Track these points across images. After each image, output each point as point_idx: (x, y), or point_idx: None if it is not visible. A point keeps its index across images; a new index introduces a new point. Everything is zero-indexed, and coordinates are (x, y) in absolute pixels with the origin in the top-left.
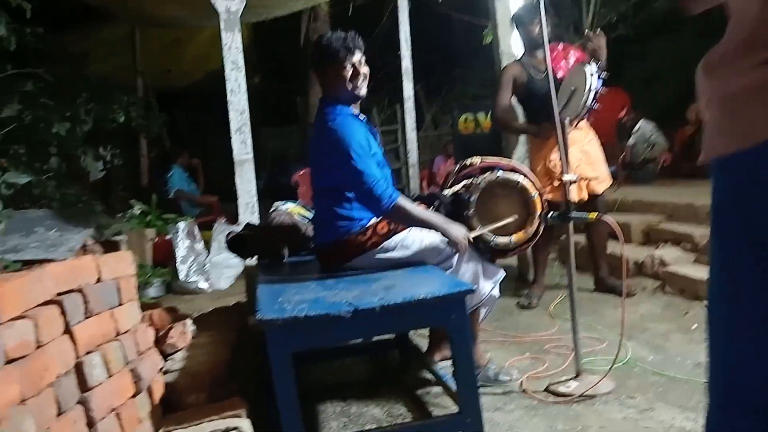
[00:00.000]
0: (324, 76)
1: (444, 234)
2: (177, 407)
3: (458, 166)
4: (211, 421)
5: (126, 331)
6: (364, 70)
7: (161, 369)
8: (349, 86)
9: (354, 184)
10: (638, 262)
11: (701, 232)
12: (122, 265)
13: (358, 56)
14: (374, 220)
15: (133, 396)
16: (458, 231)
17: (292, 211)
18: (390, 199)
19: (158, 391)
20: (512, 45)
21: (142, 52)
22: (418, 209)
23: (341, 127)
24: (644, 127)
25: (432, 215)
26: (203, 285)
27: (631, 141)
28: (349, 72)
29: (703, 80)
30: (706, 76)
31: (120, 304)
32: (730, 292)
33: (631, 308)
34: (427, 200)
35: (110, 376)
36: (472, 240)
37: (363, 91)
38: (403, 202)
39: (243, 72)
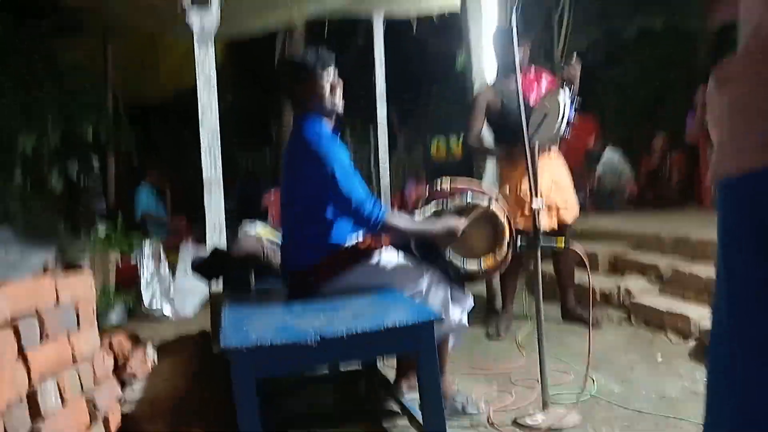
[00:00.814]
0: (300, 92)
1: (436, 238)
2: None
3: (428, 188)
4: None
5: (84, 358)
6: (339, 83)
7: (119, 398)
8: (327, 101)
9: (341, 202)
10: (605, 292)
11: (666, 263)
12: (82, 287)
13: (332, 71)
14: (346, 244)
15: (89, 426)
16: (447, 225)
17: (261, 235)
18: (380, 214)
19: (115, 421)
20: (484, 70)
21: (113, 66)
22: (406, 221)
23: (323, 146)
24: (611, 156)
25: (420, 224)
26: (168, 312)
27: (598, 170)
28: (326, 86)
29: (715, 93)
30: (720, 89)
31: (78, 329)
32: (748, 323)
33: (597, 339)
34: None
35: (65, 404)
36: (466, 225)
37: (340, 106)
38: (392, 218)
39: (215, 90)
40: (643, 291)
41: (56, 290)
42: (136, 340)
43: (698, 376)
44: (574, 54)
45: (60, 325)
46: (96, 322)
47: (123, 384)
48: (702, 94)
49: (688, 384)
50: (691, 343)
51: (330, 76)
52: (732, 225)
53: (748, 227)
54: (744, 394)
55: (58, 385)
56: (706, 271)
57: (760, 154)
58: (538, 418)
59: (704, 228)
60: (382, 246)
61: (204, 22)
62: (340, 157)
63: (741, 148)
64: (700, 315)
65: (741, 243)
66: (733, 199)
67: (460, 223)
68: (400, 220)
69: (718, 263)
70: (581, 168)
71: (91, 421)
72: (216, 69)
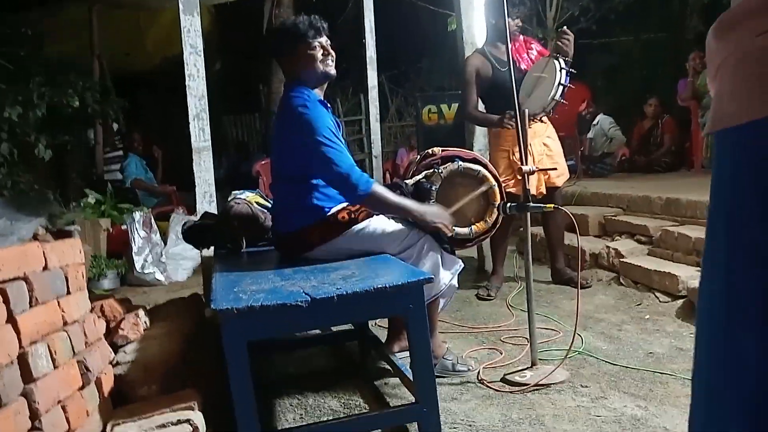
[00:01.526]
0: (291, 58)
1: (418, 218)
2: (128, 400)
3: (420, 155)
4: (162, 413)
5: (74, 322)
6: (332, 52)
7: (112, 361)
8: (320, 66)
9: (327, 172)
10: (595, 253)
11: (655, 224)
12: (71, 252)
13: (325, 39)
14: (335, 209)
15: (81, 388)
16: (435, 212)
17: (251, 200)
18: (366, 186)
19: (108, 384)
20: (476, 35)
21: (99, 35)
22: (393, 195)
23: (311, 113)
24: (603, 121)
25: (407, 201)
26: (160, 277)
27: (590, 135)
28: (319, 52)
29: (715, 43)
30: (720, 38)
31: (68, 293)
32: (742, 279)
33: (587, 299)
34: (389, 189)
35: (56, 367)
36: (452, 216)
37: (334, 71)
38: (380, 188)
39: (202, 57)
40: (632, 252)
41: (44, 255)
42: (128, 305)
43: (685, 333)
44: (565, 26)
45: (49, 290)
46: (86, 287)
47: (115, 347)
48: (694, 60)
49: (674, 341)
50: (679, 302)
51: (322, 45)
52: (731, 174)
53: (748, 176)
54: (731, 349)
55: (48, 348)
56: (695, 231)
57: (760, 103)
58: (527, 375)
59: (694, 190)
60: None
61: None
62: (327, 126)
63: (746, 97)
64: (688, 275)
65: (740, 194)
66: (736, 148)
67: (446, 217)
68: (387, 192)
69: (715, 218)
70: (573, 134)
71: (83, 383)
72: (203, 36)
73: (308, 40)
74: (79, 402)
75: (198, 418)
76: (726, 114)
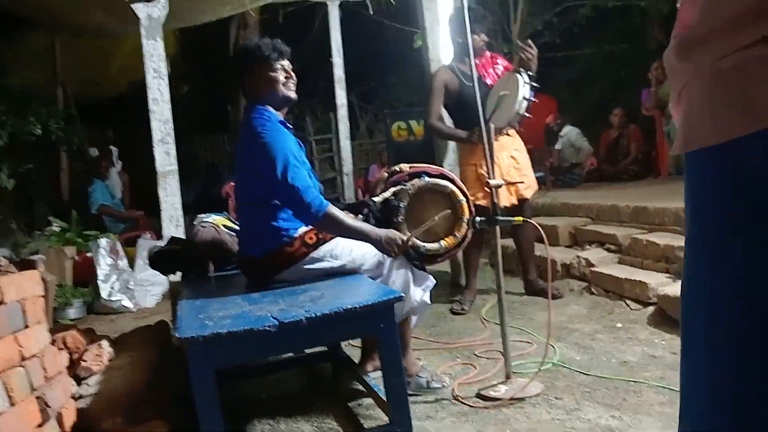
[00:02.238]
0: (253, 79)
1: (374, 243)
2: None
3: (388, 173)
4: None
5: (32, 356)
6: (293, 76)
7: (74, 394)
8: (282, 90)
9: (283, 194)
10: (566, 263)
11: (624, 233)
12: (29, 285)
13: (286, 63)
14: (301, 230)
15: (41, 425)
16: (390, 237)
17: (218, 223)
18: (320, 208)
19: (70, 418)
20: (441, 51)
21: (63, 63)
22: (348, 218)
23: (271, 134)
24: (570, 132)
25: (362, 224)
26: (128, 303)
27: (558, 146)
28: (281, 74)
29: (677, 64)
30: (683, 59)
31: (26, 327)
32: (723, 301)
33: (559, 309)
34: (356, 207)
35: (13, 404)
36: (409, 243)
37: (295, 95)
38: (334, 211)
39: (166, 80)
40: (602, 261)
41: (0, 290)
42: (92, 335)
43: (656, 340)
44: (528, 39)
45: (6, 325)
46: (45, 319)
47: (78, 380)
48: (656, 69)
49: (647, 349)
50: (650, 309)
51: (284, 68)
52: (715, 195)
53: (723, 196)
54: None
55: (5, 385)
56: (663, 238)
57: (741, 122)
58: (501, 389)
59: (661, 198)
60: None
61: (151, 12)
62: (286, 146)
63: (718, 117)
64: (658, 281)
65: (731, 214)
66: (714, 167)
67: (401, 236)
68: (341, 215)
69: (695, 239)
70: (541, 145)
71: (43, 419)
72: (169, 60)
73: (271, 62)
74: None
75: None
76: (700, 134)
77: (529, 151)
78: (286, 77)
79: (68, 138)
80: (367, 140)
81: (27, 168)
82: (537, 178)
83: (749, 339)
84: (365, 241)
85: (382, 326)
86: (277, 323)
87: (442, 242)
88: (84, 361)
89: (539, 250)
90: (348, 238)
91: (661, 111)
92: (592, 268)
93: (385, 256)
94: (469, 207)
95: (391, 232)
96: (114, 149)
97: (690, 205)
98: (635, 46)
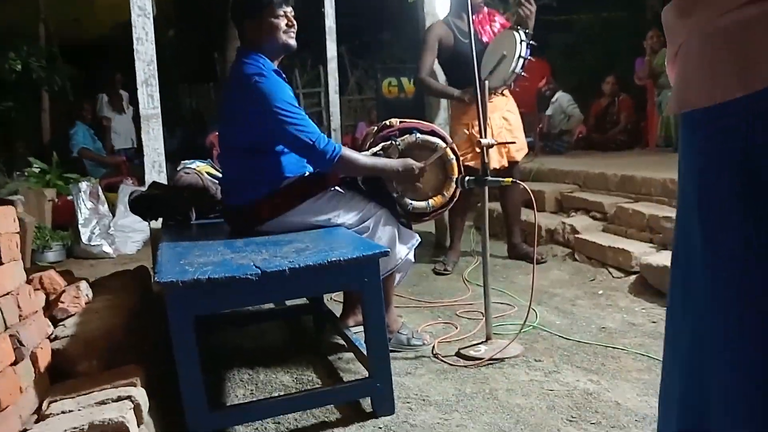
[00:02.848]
0: (253, 24)
1: (393, 175)
2: (68, 376)
3: (377, 127)
4: (102, 389)
5: (7, 293)
6: (294, 23)
7: (50, 335)
8: (283, 37)
9: (293, 141)
10: (550, 229)
11: (610, 201)
12: (4, 221)
13: (290, 8)
14: (288, 181)
15: (14, 363)
16: (406, 165)
17: (201, 170)
18: (335, 152)
19: (45, 359)
20: (436, 6)
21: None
22: (363, 156)
23: (267, 82)
24: (561, 98)
25: (376, 160)
26: (108, 249)
27: (548, 112)
28: (283, 21)
29: (676, 21)
30: (681, 16)
31: (0, 263)
32: (722, 278)
33: (542, 274)
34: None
35: None
36: (425, 167)
37: (294, 43)
38: (348, 152)
39: (151, 20)
40: (587, 228)
41: None
42: (70, 277)
43: (637, 309)
44: None
45: None
46: (26, 257)
47: (55, 321)
48: (651, 38)
49: (626, 316)
50: (631, 278)
51: (287, 14)
52: (701, 157)
53: (719, 158)
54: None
55: None
56: (649, 208)
57: (739, 82)
58: (481, 349)
59: (649, 168)
60: (327, 183)
61: None
62: (285, 94)
63: (717, 76)
64: (641, 251)
65: (719, 182)
66: (711, 130)
67: (417, 164)
68: (356, 154)
69: (690, 209)
70: (532, 110)
71: (17, 358)
72: (156, 1)
73: (274, 7)
74: (12, 378)
75: (140, 393)
76: (696, 94)
77: (521, 115)
78: (287, 24)
79: (50, 77)
80: (357, 96)
81: (6, 106)
82: (527, 142)
83: (748, 303)
84: (383, 176)
85: (366, 281)
86: (260, 272)
87: (430, 201)
88: (61, 302)
89: (525, 214)
90: (365, 176)
91: (654, 81)
92: (577, 235)
93: (372, 211)
94: (458, 166)
95: (407, 161)
96: (124, 93)
97: (682, 173)
98: (632, 14)
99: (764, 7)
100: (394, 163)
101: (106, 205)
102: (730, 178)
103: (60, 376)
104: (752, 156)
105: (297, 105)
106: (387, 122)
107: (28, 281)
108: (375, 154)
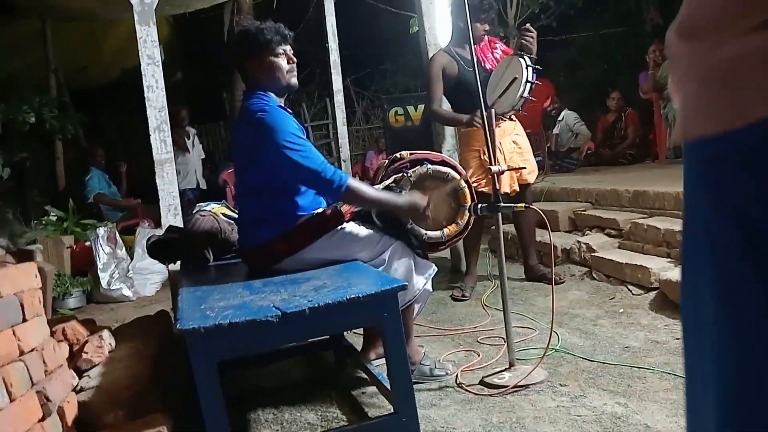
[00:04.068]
0: (253, 65)
1: (399, 210)
2: (94, 428)
3: (388, 160)
4: None
5: (32, 350)
6: (294, 61)
7: (75, 387)
8: (285, 77)
9: (299, 173)
10: (566, 248)
11: (624, 217)
12: (26, 278)
13: (290, 46)
14: (303, 218)
15: (42, 420)
16: (412, 201)
17: (216, 211)
18: (342, 180)
19: (71, 412)
20: (438, 35)
21: (54, 48)
22: (370, 188)
23: (270, 116)
24: (568, 116)
25: (383, 194)
26: (127, 292)
27: (555, 130)
28: (283, 60)
29: (680, 46)
30: (687, 42)
31: (24, 321)
32: (727, 303)
33: (561, 295)
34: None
35: (12, 400)
36: (430, 201)
37: (296, 81)
38: (354, 183)
39: (160, 67)
40: (603, 246)
41: None
42: (92, 326)
43: (659, 325)
44: (527, 23)
45: (2, 319)
46: (44, 312)
47: (79, 372)
48: (653, 52)
49: (649, 334)
50: (652, 294)
51: (287, 53)
52: (715, 188)
53: (720, 192)
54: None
55: (3, 381)
56: (664, 223)
57: (730, 113)
58: (505, 376)
59: (661, 182)
60: (342, 218)
61: None
62: (290, 128)
63: (711, 106)
64: (659, 266)
65: (733, 208)
66: (716, 158)
67: (423, 200)
68: (363, 186)
69: (693, 235)
70: (538, 130)
71: (44, 414)
72: (162, 46)
73: (273, 46)
74: None
75: None
76: (693, 124)
77: (528, 136)
78: (289, 63)
79: (63, 126)
80: (364, 126)
81: (21, 157)
82: (536, 162)
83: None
84: (389, 210)
85: (385, 315)
86: (280, 313)
87: (445, 230)
88: (85, 353)
89: (540, 235)
90: (371, 208)
91: (659, 94)
92: (593, 253)
93: (387, 244)
94: (471, 194)
95: (413, 196)
96: (192, 130)
97: (687, 203)
98: (631, 28)
99: (762, 37)
100: (399, 200)
101: (123, 249)
102: (724, 218)
103: (86, 429)
104: (740, 195)
105: (303, 137)
106: (398, 155)
107: (52, 333)
108: (387, 187)
